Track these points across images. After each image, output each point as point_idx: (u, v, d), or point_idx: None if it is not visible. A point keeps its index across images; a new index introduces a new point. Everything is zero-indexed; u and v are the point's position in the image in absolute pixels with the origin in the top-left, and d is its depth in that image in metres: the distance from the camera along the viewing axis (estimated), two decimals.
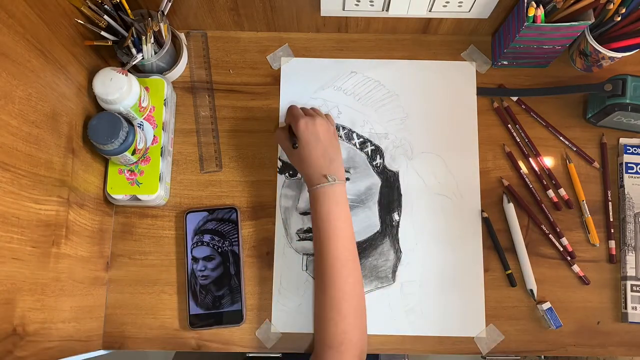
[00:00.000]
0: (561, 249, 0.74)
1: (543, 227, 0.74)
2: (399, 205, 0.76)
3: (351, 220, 0.67)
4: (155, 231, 0.75)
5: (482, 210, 0.75)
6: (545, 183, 0.76)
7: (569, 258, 0.73)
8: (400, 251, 0.74)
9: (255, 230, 0.75)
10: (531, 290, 0.72)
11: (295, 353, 0.73)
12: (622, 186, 0.75)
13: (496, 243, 0.74)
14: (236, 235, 0.74)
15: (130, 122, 0.68)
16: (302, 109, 0.73)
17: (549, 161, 0.77)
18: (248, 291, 0.73)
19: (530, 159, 0.77)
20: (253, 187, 0.77)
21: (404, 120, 0.78)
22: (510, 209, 0.74)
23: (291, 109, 0.71)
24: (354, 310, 0.63)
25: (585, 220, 0.74)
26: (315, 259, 0.67)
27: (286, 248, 0.75)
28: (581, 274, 0.73)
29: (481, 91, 0.79)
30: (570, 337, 0.72)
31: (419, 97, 0.79)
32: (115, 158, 0.69)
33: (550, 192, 0.75)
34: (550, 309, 0.70)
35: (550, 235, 0.74)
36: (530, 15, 0.67)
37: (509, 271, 0.73)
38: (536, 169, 0.76)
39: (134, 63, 0.71)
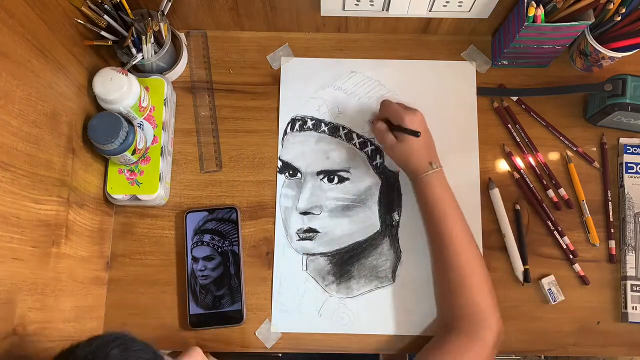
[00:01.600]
0: (564, 247, 0.73)
1: (548, 223, 0.74)
2: (399, 205, 0.76)
3: (457, 201, 0.69)
4: (155, 231, 0.75)
5: (515, 203, 0.75)
6: (545, 183, 0.76)
7: (571, 257, 0.73)
8: (400, 251, 0.74)
9: (255, 230, 0.75)
10: (519, 275, 0.73)
11: (295, 353, 0.73)
12: (622, 186, 0.75)
13: (521, 238, 0.74)
14: (236, 235, 0.74)
15: (130, 122, 0.68)
16: (394, 101, 0.74)
17: (549, 161, 0.77)
18: (248, 291, 0.73)
19: (530, 159, 0.77)
20: (253, 187, 0.77)
21: None
22: (496, 193, 0.74)
23: (388, 105, 0.72)
24: (483, 283, 0.65)
25: (585, 220, 0.74)
26: (432, 244, 0.70)
27: (286, 248, 0.75)
28: (582, 273, 0.73)
29: (481, 91, 0.79)
30: (570, 337, 0.72)
31: (419, 97, 0.79)
32: (115, 158, 0.69)
33: (550, 192, 0.75)
34: (552, 282, 0.72)
35: (554, 233, 0.74)
36: (530, 15, 0.67)
37: (527, 266, 0.73)
38: (536, 168, 0.76)
39: (134, 63, 0.71)
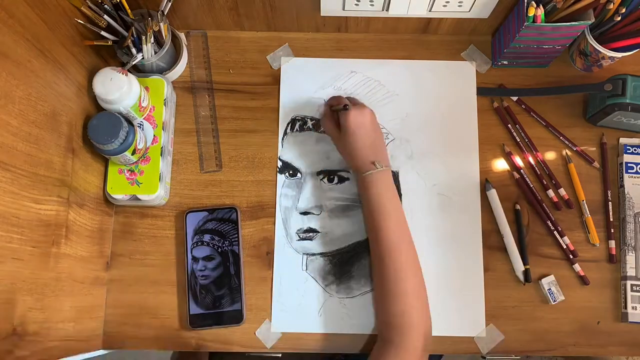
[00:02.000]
0: (564, 247, 0.73)
1: (548, 223, 0.74)
2: None
3: (400, 204, 0.69)
4: (155, 231, 0.75)
5: (516, 202, 0.75)
6: (545, 183, 0.76)
7: (571, 257, 0.73)
8: None
9: (255, 230, 0.75)
10: (520, 274, 0.72)
11: (295, 353, 0.73)
12: (622, 186, 0.75)
13: (521, 238, 0.74)
14: (236, 235, 0.74)
15: (130, 122, 0.68)
16: (346, 96, 0.76)
17: (549, 161, 0.77)
18: (248, 291, 0.73)
19: (530, 159, 0.77)
20: (253, 187, 0.77)
21: (404, 120, 0.78)
22: (493, 194, 0.74)
23: (337, 98, 0.74)
24: (411, 289, 0.65)
25: (585, 220, 0.74)
26: (370, 244, 0.69)
27: (286, 248, 0.75)
28: (582, 273, 0.73)
29: (481, 91, 0.79)
30: (570, 337, 0.72)
31: (419, 97, 0.79)
32: (115, 158, 0.69)
33: (550, 192, 0.75)
34: (552, 282, 0.72)
35: (554, 232, 0.74)
36: (530, 15, 0.67)
37: (527, 266, 0.73)
38: (536, 168, 0.76)
39: (134, 63, 0.71)
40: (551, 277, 0.72)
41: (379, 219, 0.67)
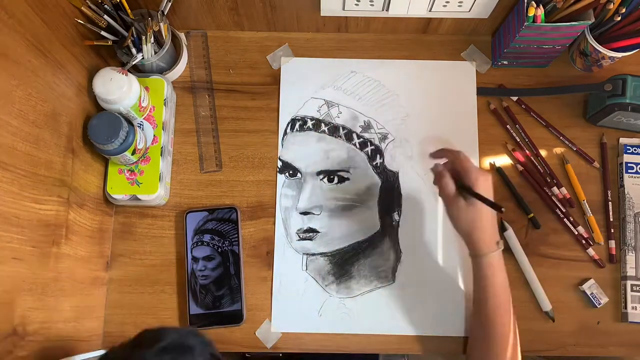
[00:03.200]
0: (576, 234, 0.74)
1: (557, 211, 0.74)
2: (399, 205, 0.76)
3: (508, 284, 0.63)
4: (155, 231, 0.75)
5: (494, 162, 0.75)
6: (548, 181, 0.76)
7: (583, 242, 0.73)
8: (400, 251, 0.74)
9: (255, 230, 0.75)
10: (547, 313, 0.72)
11: (295, 353, 0.73)
12: (622, 186, 0.75)
13: (514, 192, 0.74)
14: (236, 235, 0.74)
15: (130, 122, 0.68)
16: (467, 157, 0.64)
17: (549, 161, 0.77)
18: (248, 291, 0.73)
19: (531, 159, 0.77)
20: (253, 187, 0.77)
21: (404, 120, 0.78)
22: (510, 233, 0.74)
23: (463, 160, 0.62)
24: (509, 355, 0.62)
25: (587, 219, 0.74)
26: (477, 321, 0.64)
27: (286, 248, 0.75)
28: (596, 257, 0.73)
29: (481, 91, 0.79)
30: (570, 337, 0.72)
31: (419, 97, 0.79)
32: (115, 158, 0.69)
33: (552, 191, 0.75)
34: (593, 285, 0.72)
35: (565, 221, 0.74)
36: (530, 15, 0.67)
37: (531, 215, 0.73)
38: (538, 167, 0.76)
39: (134, 63, 0.71)
40: (591, 281, 0.72)
41: (498, 304, 0.62)
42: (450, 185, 0.62)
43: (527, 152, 0.77)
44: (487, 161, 0.77)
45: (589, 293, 0.72)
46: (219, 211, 0.75)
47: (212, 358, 0.47)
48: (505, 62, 0.79)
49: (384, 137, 0.77)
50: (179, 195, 0.77)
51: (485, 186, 0.60)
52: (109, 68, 0.67)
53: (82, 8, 0.66)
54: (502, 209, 0.58)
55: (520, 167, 0.76)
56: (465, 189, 0.61)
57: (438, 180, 0.64)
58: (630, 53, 0.71)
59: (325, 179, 0.76)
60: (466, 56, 0.81)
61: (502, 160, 0.77)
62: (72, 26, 0.66)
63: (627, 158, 0.75)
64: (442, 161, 0.66)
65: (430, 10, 0.74)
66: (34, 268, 0.56)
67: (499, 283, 0.62)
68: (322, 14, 0.76)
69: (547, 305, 0.71)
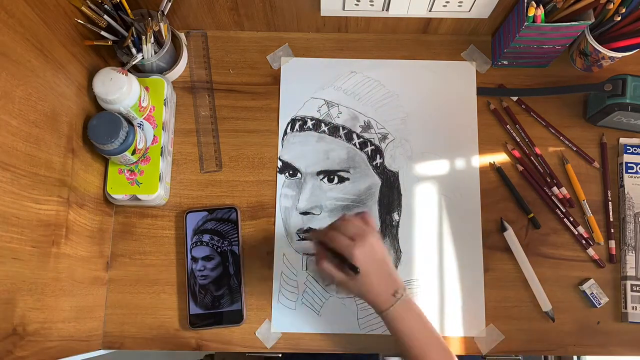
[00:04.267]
0: (576, 234, 0.74)
1: (557, 212, 0.74)
2: (399, 205, 0.76)
3: (433, 327, 0.61)
4: (155, 231, 0.75)
5: (494, 162, 0.76)
6: (549, 181, 0.76)
7: (583, 242, 0.73)
8: (400, 251, 0.74)
9: (255, 230, 0.75)
10: (547, 313, 0.72)
11: (295, 353, 0.73)
12: (622, 186, 0.75)
13: (514, 192, 0.75)
14: (236, 235, 0.74)
15: (130, 122, 0.68)
16: (335, 225, 0.62)
17: (549, 161, 0.77)
18: (248, 291, 0.73)
19: (531, 159, 0.77)
20: (253, 187, 0.77)
21: (404, 120, 0.78)
22: (510, 233, 0.74)
23: (329, 234, 0.61)
24: None
25: (587, 219, 0.74)
26: None
27: (286, 248, 0.75)
28: (596, 257, 0.73)
29: (481, 91, 0.79)
30: (570, 337, 0.72)
31: (419, 97, 0.79)
32: (115, 158, 0.69)
33: (552, 191, 0.75)
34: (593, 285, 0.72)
35: (565, 221, 0.74)
36: (530, 15, 0.67)
37: (531, 215, 0.73)
38: (538, 167, 0.76)
39: (134, 63, 0.71)
40: (591, 281, 0.72)
41: (420, 353, 0.59)
42: (329, 268, 0.60)
43: (527, 152, 0.77)
44: (487, 161, 0.77)
45: (589, 293, 0.72)
46: (219, 211, 0.75)
47: None
48: (505, 62, 0.79)
49: (384, 137, 0.77)
50: (179, 195, 0.77)
51: (359, 251, 0.58)
52: (109, 68, 0.67)
53: (82, 8, 0.66)
54: (358, 270, 0.57)
55: (520, 167, 0.76)
56: (338, 256, 0.59)
57: (318, 269, 0.61)
58: (630, 53, 0.71)
59: (325, 179, 0.76)
60: (466, 56, 0.81)
61: (502, 160, 0.77)
62: (72, 26, 0.66)
63: (627, 158, 0.75)
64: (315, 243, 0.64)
65: (430, 10, 0.74)
66: (34, 268, 0.56)
67: (412, 331, 0.59)
68: (322, 14, 0.76)
69: (547, 305, 0.71)
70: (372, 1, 0.72)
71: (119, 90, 0.66)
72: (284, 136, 0.78)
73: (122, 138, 0.66)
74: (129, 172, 0.72)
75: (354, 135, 0.77)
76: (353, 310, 0.73)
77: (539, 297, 0.72)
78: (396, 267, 0.74)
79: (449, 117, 0.78)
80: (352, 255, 0.58)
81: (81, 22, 0.67)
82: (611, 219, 0.74)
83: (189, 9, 0.76)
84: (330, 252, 0.60)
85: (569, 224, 0.74)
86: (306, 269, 0.74)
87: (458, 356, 0.72)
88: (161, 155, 0.73)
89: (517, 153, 0.77)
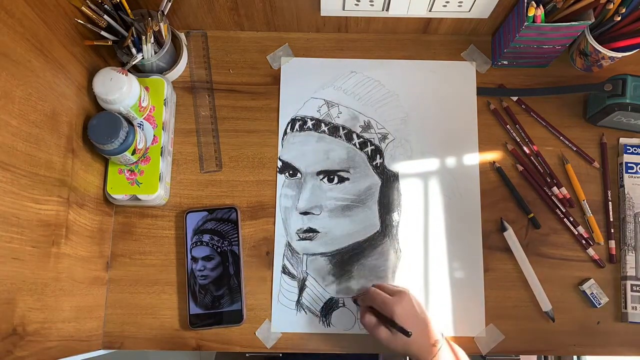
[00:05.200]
0: (576, 234, 0.74)
1: (557, 212, 0.74)
2: (399, 205, 0.76)
3: None
4: (155, 231, 0.75)
5: (494, 162, 0.76)
6: (549, 181, 0.76)
7: (583, 242, 0.73)
8: (400, 251, 0.74)
9: (255, 230, 0.75)
10: (547, 313, 0.72)
11: (295, 353, 0.73)
12: (622, 186, 0.75)
13: (514, 192, 0.75)
14: (236, 235, 0.74)
15: (130, 122, 0.68)
16: (376, 285, 0.69)
17: (549, 161, 0.77)
18: (248, 291, 0.73)
19: (531, 159, 0.77)
20: (253, 187, 0.77)
21: (404, 120, 0.78)
22: (510, 233, 0.74)
23: (375, 296, 0.66)
24: None
25: (587, 219, 0.74)
26: None
27: (286, 248, 0.75)
28: (596, 257, 0.73)
29: (481, 91, 0.79)
30: (571, 337, 0.72)
31: (419, 97, 0.79)
32: (115, 158, 0.69)
33: (552, 191, 0.75)
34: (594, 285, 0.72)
35: (565, 221, 0.74)
36: (530, 15, 0.67)
37: (531, 215, 0.74)
38: (538, 167, 0.76)
39: (134, 63, 0.71)
40: (591, 281, 0.72)
41: None
42: (384, 332, 0.64)
43: (527, 152, 0.77)
44: (487, 161, 0.77)
45: (589, 293, 0.72)
46: (219, 211, 0.75)
47: None
48: (505, 62, 0.79)
49: (384, 137, 0.77)
50: (179, 195, 0.77)
51: (400, 311, 0.63)
52: (109, 68, 0.67)
53: (82, 8, 0.66)
54: (410, 334, 0.61)
55: (520, 167, 0.76)
56: (387, 321, 0.64)
57: (370, 331, 0.66)
58: (630, 53, 0.71)
59: (325, 179, 0.76)
60: (466, 56, 0.81)
61: (502, 160, 0.77)
62: (72, 26, 0.66)
63: (627, 158, 0.75)
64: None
65: (430, 10, 0.74)
66: (34, 268, 0.56)
67: None
68: (322, 14, 0.76)
69: (547, 305, 0.71)
70: (372, 1, 0.72)
71: (119, 90, 0.66)
72: (284, 136, 0.78)
73: (122, 138, 0.66)
74: (129, 172, 0.72)
75: (354, 135, 0.77)
76: (353, 311, 0.73)
77: (539, 297, 0.72)
78: (396, 267, 0.74)
79: (449, 117, 0.78)
80: (392, 312, 0.63)
81: (81, 22, 0.67)
82: (611, 219, 0.74)
83: (189, 9, 0.76)
84: (375, 315, 0.66)
85: (569, 224, 0.74)
86: (306, 269, 0.74)
87: None
88: (161, 155, 0.73)
89: (517, 153, 0.77)
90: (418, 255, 0.74)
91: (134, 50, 0.71)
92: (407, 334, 0.62)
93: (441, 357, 0.63)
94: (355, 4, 0.73)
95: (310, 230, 0.75)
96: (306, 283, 0.74)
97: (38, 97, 0.58)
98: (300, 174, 0.76)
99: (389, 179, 0.76)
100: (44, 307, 0.58)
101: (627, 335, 0.72)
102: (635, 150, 0.75)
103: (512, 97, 0.79)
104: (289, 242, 0.75)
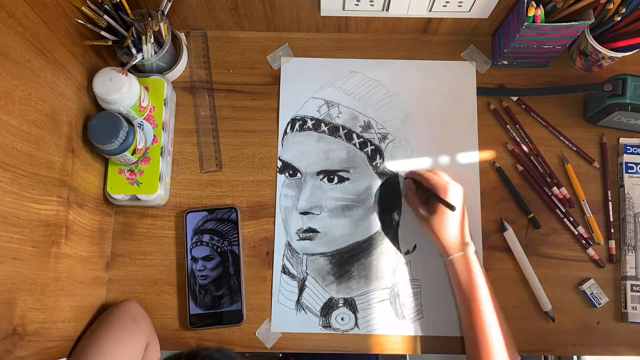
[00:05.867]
0: (576, 234, 0.74)
1: (557, 211, 0.74)
2: (399, 205, 0.76)
3: (488, 281, 0.67)
4: (155, 231, 0.75)
5: (494, 162, 0.76)
6: (549, 181, 0.76)
7: (583, 242, 0.73)
8: (400, 251, 0.74)
9: (255, 230, 0.75)
10: (547, 313, 0.72)
11: (295, 353, 0.73)
12: (622, 186, 0.75)
13: (514, 192, 0.75)
14: (236, 235, 0.74)
15: (130, 122, 0.68)
16: (431, 170, 0.71)
17: (549, 161, 0.77)
18: (248, 291, 0.73)
19: (531, 159, 0.77)
20: (253, 187, 0.77)
21: (404, 120, 0.78)
22: (510, 233, 0.74)
23: (425, 173, 0.69)
24: None
25: (587, 219, 0.74)
26: (462, 321, 0.69)
27: (286, 248, 0.75)
28: (596, 257, 0.73)
29: (481, 91, 0.79)
30: (570, 337, 0.72)
31: (419, 97, 0.79)
32: (115, 158, 0.69)
33: (552, 191, 0.75)
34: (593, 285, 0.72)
35: (565, 221, 0.74)
36: (530, 15, 0.67)
37: (531, 215, 0.74)
38: (538, 167, 0.76)
39: (134, 63, 0.71)
40: (591, 281, 0.72)
41: (473, 303, 0.65)
42: (416, 200, 0.70)
43: (527, 152, 0.77)
44: (487, 161, 0.77)
45: (589, 293, 0.72)
46: (219, 211, 0.75)
47: None
48: (505, 62, 0.79)
49: (384, 137, 0.77)
50: (179, 195, 0.77)
51: (453, 193, 0.66)
52: (109, 68, 0.67)
53: (82, 8, 0.66)
54: (454, 208, 0.64)
55: (520, 167, 0.76)
56: (432, 196, 0.67)
57: (406, 199, 0.72)
58: (630, 53, 0.71)
59: (325, 179, 0.76)
60: (466, 56, 0.81)
61: (502, 160, 0.77)
62: (72, 26, 0.66)
63: (627, 158, 0.75)
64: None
65: (430, 10, 0.74)
66: (33, 268, 0.56)
67: (464, 283, 0.66)
68: (322, 14, 0.76)
69: (547, 305, 0.71)
70: (372, 1, 0.72)
71: (119, 90, 0.66)
72: (284, 136, 0.78)
73: (122, 138, 0.66)
74: (129, 172, 0.72)
75: (354, 135, 0.77)
76: (353, 311, 0.73)
77: (539, 297, 0.72)
78: (396, 267, 0.74)
79: (449, 117, 0.78)
80: (447, 192, 0.65)
81: (81, 22, 0.67)
82: (611, 219, 0.74)
83: (189, 9, 0.76)
84: (419, 189, 0.70)
85: (569, 224, 0.74)
86: (306, 269, 0.74)
87: (458, 356, 0.72)
88: (161, 155, 0.73)
89: (517, 153, 0.77)
90: (418, 255, 0.74)
91: (134, 50, 0.71)
92: (451, 207, 0.64)
93: (463, 259, 0.66)
94: (355, 4, 0.73)
95: (310, 230, 0.75)
96: (306, 283, 0.74)
97: (38, 97, 0.58)
98: (300, 174, 0.76)
99: (389, 179, 0.76)
100: (44, 307, 0.58)
101: (627, 335, 0.72)
102: (635, 150, 0.75)
103: (512, 97, 0.79)
104: (289, 242, 0.75)
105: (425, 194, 0.71)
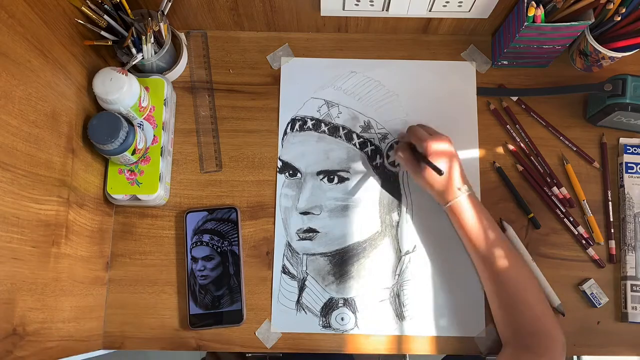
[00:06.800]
0: (576, 234, 0.74)
1: (557, 211, 0.74)
2: (399, 205, 0.76)
3: (490, 217, 0.69)
4: (155, 231, 0.75)
5: (494, 162, 0.76)
6: (549, 181, 0.76)
7: (583, 242, 0.73)
8: (400, 251, 0.74)
9: (255, 230, 0.75)
10: (556, 308, 0.71)
11: (295, 353, 0.73)
12: (622, 186, 0.75)
13: (514, 192, 0.75)
14: (236, 235, 0.74)
15: (130, 122, 0.68)
16: (419, 125, 0.73)
17: (549, 161, 0.77)
18: (248, 291, 0.73)
19: (531, 159, 0.77)
20: (253, 187, 0.77)
21: (404, 120, 0.78)
22: (511, 233, 0.74)
23: (415, 130, 0.71)
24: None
25: (587, 219, 0.74)
26: (476, 266, 0.70)
27: (286, 248, 0.75)
28: (596, 257, 0.73)
29: (481, 91, 0.79)
30: (570, 337, 0.72)
31: (419, 97, 0.79)
32: (115, 158, 0.69)
33: (552, 191, 0.75)
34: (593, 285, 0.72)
35: (565, 221, 0.74)
36: (530, 15, 0.67)
37: (531, 215, 0.74)
38: (538, 167, 0.76)
39: (134, 63, 0.71)
40: (591, 281, 0.72)
41: (479, 242, 0.67)
42: (414, 166, 0.70)
43: (527, 152, 0.77)
44: (487, 161, 0.77)
45: (589, 293, 0.72)
46: (219, 211, 0.75)
47: None
48: (505, 62, 0.79)
49: (384, 137, 0.77)
50: (179, 195, 0.77)
51: (435, 148, 0.67)
52: (109, 68, 0.67)
53: (82, 8, 0.66)
54: (442, 172, 0.64)
55: (520, 167, 0.76)
56: (419, 157, 0.69)
57: (403, 164, 0.73)
58: (630, 53, 0.71)
59: (325, 179, 0.76)
60: (466, 56, 0.81)
61: (502, 160, 0.77)
62: (72, 26, 0.66)
63: (627, 158, 0.75)
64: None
65: (430, 10, 0.74)
66: (34, 268, 0.56)
67: (469, 223, 0.67)
68: (322, 14, 0.76)
69: (555, 301, 0.71)
70: (372, 1, 0.72)
71: (119, 90, 0.66)
72: (284, 136, 0.78)
73: (122, 138, 0.66)
74: (129, 172, 0.72)
75: (354, 135, 0.77)
76: (353, 311, 0.73)
77: (546, 293, 0.72)
78: (396, 267, 0.74)
79: (449, 117, 0.78)
80: (426, 146, 0.66)
81: (81, 22, 0.67)
82: (611, 219, 0.74)
83: (189, 9, 0.76)
84: (411, 149, 0.71)
85: (569, 224, 0.74)
86: (306, 269, 0.74)
87: (458, 356, 0.72)
88: (161, 155, 0.73)
89: (517, 153, 0.77)
90: (418, 255, 0.74)
91: (134, 50, 0.71)
92: (439, 172, 0.64)
93: (461, 202, 0.67)
94: (355, 4, 0.73)
95: (310, 230, 0.75)
96: (306, 283, 0.74)
97: (38, 97, 0.58)
98: (300, 174, 0.76)
99: (389, 179, 0.76)
100: (44, 307, 0.58)
101: (627, 335, 0.72)
102: (635, 150, 0.75)
103: (512, 97, 0.79)
104: (289, 242, 0.75)
105: (417, 155, 0.71)
